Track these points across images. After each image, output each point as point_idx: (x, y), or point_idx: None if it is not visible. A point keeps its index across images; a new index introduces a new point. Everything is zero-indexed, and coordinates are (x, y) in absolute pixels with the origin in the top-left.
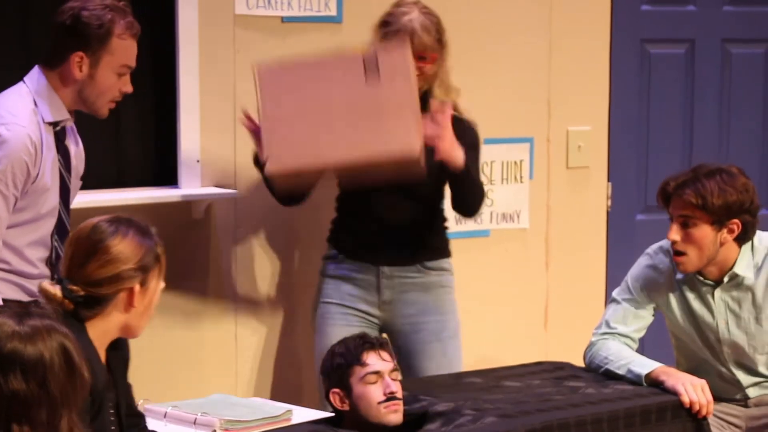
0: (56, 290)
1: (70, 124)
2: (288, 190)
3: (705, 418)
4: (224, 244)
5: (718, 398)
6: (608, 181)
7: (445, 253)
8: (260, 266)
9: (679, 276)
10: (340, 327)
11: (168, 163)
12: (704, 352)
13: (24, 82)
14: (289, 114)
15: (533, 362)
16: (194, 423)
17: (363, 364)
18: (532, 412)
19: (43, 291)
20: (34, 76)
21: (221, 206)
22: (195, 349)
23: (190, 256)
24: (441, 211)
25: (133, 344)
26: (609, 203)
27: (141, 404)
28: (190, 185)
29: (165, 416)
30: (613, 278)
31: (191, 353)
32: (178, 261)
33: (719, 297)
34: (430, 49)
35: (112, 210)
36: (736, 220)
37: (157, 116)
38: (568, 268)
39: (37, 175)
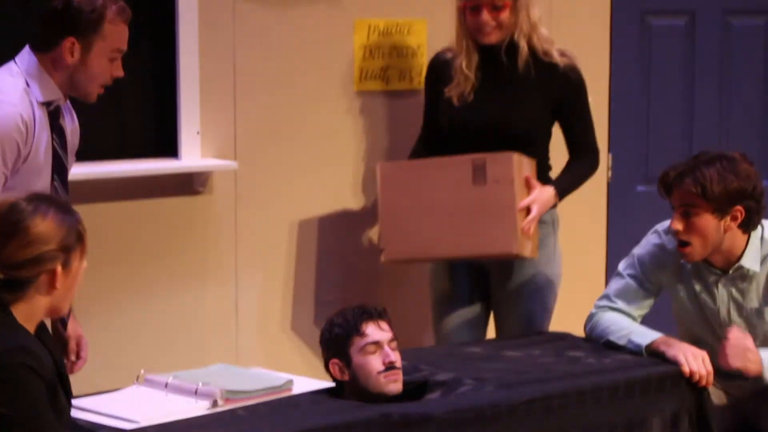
0: None
1: (64, 103)
2: None
3: (705, 388)
4: (225, 215)
5: (718, 372)
6: (609, 152)
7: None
8: (261, 237)
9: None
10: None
11: (168, 135)
12: (707, 336)
13: (15, 62)
14: (405, 209)
15: (534, 332)
16: (195, 393)
17: (362, 335)
18: (532, 381)
19: None
20: (25, 57)
21: (222, 178)
22: (196, 320)
23: (191, 227)
24: (546, 162)
25: (134, 315)
26: (609, 174)
27: (141, 375)
28: (190, 157)
29: (166, 386)
30: (613, 249)
31: (192, 324)
32: (178, 232)
33: (723, 286)
34: None
35: (113, 182)
36: (738, 207)
37: (157, 87)
38: (568, 240)
39: (29, 154)
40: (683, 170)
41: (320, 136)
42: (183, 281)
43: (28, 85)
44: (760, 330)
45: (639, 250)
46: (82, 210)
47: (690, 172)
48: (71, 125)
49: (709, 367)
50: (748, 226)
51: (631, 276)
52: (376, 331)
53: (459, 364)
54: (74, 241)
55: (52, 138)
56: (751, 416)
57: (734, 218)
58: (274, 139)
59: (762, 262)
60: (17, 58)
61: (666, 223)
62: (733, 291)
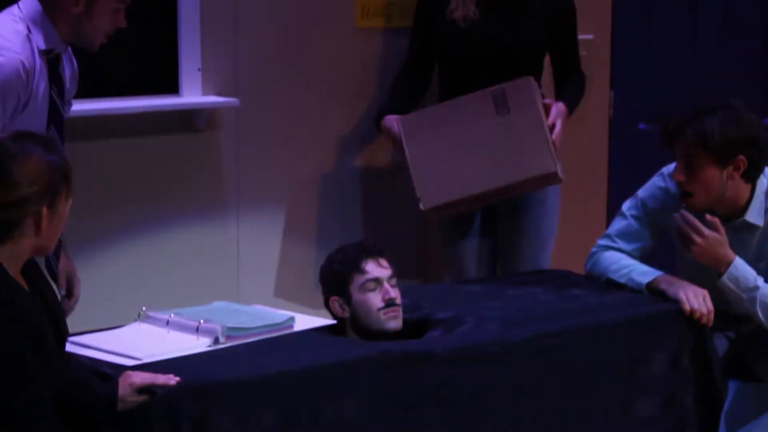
0: None
1: (65, 52)
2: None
3: (706, 326)
4: (226, 152)
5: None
6: (610, 89)
7: None
8: (263, 175)
9: None
10: None
11: (169, 72)
12: (705, 281)
13: (18, 7)
14: (434, 155)
15: (535, 271)
16: (196, 330)
17: (362, 272)
18: (533, 319)
19: None
20: (29, 2)
21: (223, 115)
22: (197, 258)
23: (193, 164)
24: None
25: (135, 253)
26: (611, 112)
27: (143, 312)
28: (191, 94)
29: (167, 323)
30: (615, 187)
31: (194, 262)
32: (179, 170)
33: (726, 232)
34: None
35: (113, 119)
36: (741, 157)
37: (158, 23)
38: (570, 178)
39: (27, 101)
40: (683, 120)
41: (322, 73)
42: (184, 219)
43: (30, 31)
44: None
45: (643, 192)
46: (83, 147)
47: (690, 123)
48: (70, 71)
49: (710, 306)
50: (751, 175)
51: (634, 217)
52: (375, 268)
53: (460, 303)
54: (60, 181)
55: (50, 87)
56: (749, 360)
57: (737, 168)
58: (275, 76)
59: (766, 214)
60: (20, 3)
61: (672, 167)
62: (734, 241)
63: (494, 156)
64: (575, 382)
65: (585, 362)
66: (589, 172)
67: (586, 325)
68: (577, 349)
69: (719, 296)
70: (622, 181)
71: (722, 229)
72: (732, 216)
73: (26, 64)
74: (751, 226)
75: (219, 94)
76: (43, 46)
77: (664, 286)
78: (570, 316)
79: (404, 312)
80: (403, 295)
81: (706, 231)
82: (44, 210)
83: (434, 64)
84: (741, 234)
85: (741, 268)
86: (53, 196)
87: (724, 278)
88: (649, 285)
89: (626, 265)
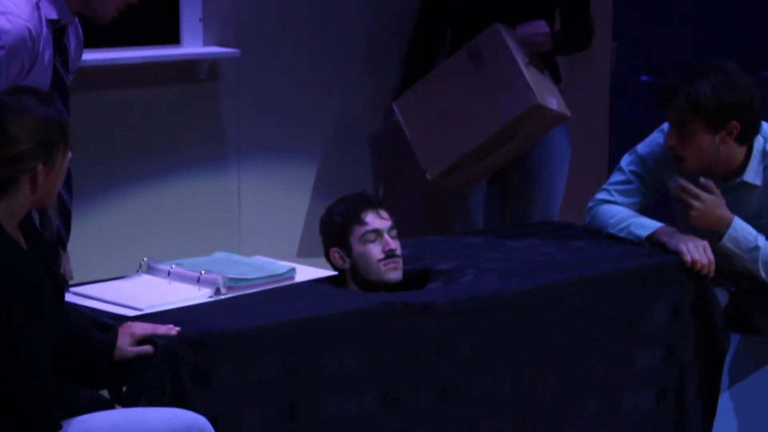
0: None
1: (71, 23)
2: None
3: (707, 278)
4: (227, 103)
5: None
6: (612, 41)
7: None
8: (264, 126)
9: None
10: None
11: (170, 22)
12: (710, 242)
13: None
14: (430, 125)
15: (536, 222)
16: (198, 281)
17: (362, 223)
18: (534, 271)
19: None
20: None
21: (225, 66)
22: (198, 209)
23: (193, 115)
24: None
25: (136, 204)
26: (613, 64)
27: (144, 263)
28: (193, 44)
29: (168, 274)
30: (616, 140)
31: (194, 212)
32: (180, 121)
33: (723, 192)
34: None
35: (114, 69)
36: (733, 122)
37: None
38: (570, 130)
39: (31, 68)
40: (676, 85)
41: (323, 24)
42: (185, 169)
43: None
44: None
45: (643, 147)
46: (84, 97)
47: (683, 87)
48: (75, 41)
49: (711, 257)
50: (744, 139)
51: (632, 172)
52: (375, 220)
53: (461, 254)
54: (56, 136)
55: (55, 56)
56: (750, 313)
57: (729, 133)
58: (276, 26)
59: (763, 175)
60: None
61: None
62: (732, 199)
63: (480, 108)
64: (576, 334)
65: (585, 314)
66: (590, 125)
67: (586, 277)
68: (578, 300)
69: (719, 252)
70: (623, 134)
71: (717, 191)
72: (729, 176)
73: (33, 31)
74: (750, 186)
75: (220, 45)
76: (51, 16)
77: (664, 238)
78: (571, 268)
79: (405, 263)
80: (405, 246)
81: (703, 194)
82: (40, 166)
83: (445, 29)
84: (739, 194)
85: (740, 228)
86: (50, 151)
87: (725, 240)
88: (650, 237)
89: (625, 218)
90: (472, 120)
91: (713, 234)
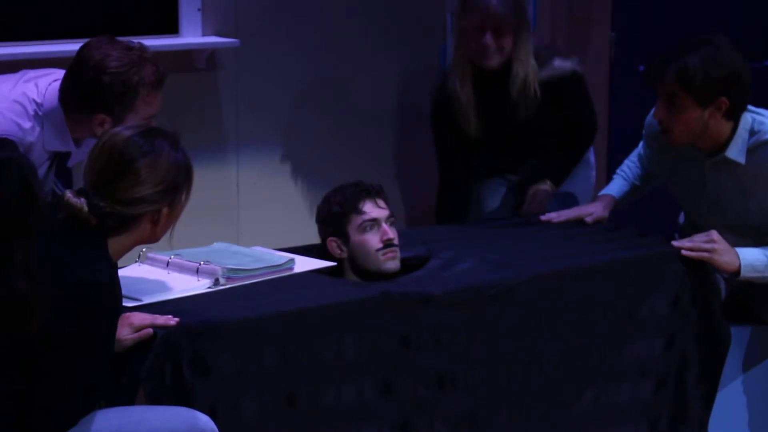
0: (82, 204)
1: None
2: None
3: (707, 265)
4: (226, 93)
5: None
6: (611, 30)
7: None
8: (262, 115)
9: None
10: None
11: (168, 11)
12: (698, 217)
13: (35, 102)
14: None
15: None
16: (197, 271)
17: (360, 212)
18: (532, 260)
19: (67, 203)
20: (53, 101)
21: (223, 55)
22: (197, 199)
23: (192, 105)
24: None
25: None
26: (611, 53)
27: (143, 253)
28: (191, 34)
29: (167, 265)
30: (615, 131)
31: (193, 202)
32: (179, 110)
33: (708, 167)
34: (506, 22)
35: None
36: (722, 98)
37: None
38: None
39: None
40: (667, 58)
41: (322, 13)
42: None
43: (42, 128)
44: (744, 219)
45: (647, 118)
46: None
47: (673, 62)
48: (84, 151)
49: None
50: (732, 113)
51: (640, 147)
52: (373, 209)
53: (462, 242)
54: (182, 179)
55: (55, 181)
56: (753, 304)
57: (718, 108)
58: (275, 16)
59: (748, 153)
60: (45, 96)
61: None
62: (719, 174)
63: None
64: (573, 325)
65: (584, 303)
66: None
67: (585, 266)
68: (577, 290)
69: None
70: (622, 124)
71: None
72: (712, 152)
73: (21, 136)
74: (732, 163)
75: (219, 35)
76: (51, 148)
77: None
78: (569, 258)
79: (404, 251)
80: (409, 235)
81: (709, 237)
82: (165, 209)
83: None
84: (720, 170)
85: (748, 254)
86: (174, 194)
87: (743, 274)
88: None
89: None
90: None
91: (702, 222)
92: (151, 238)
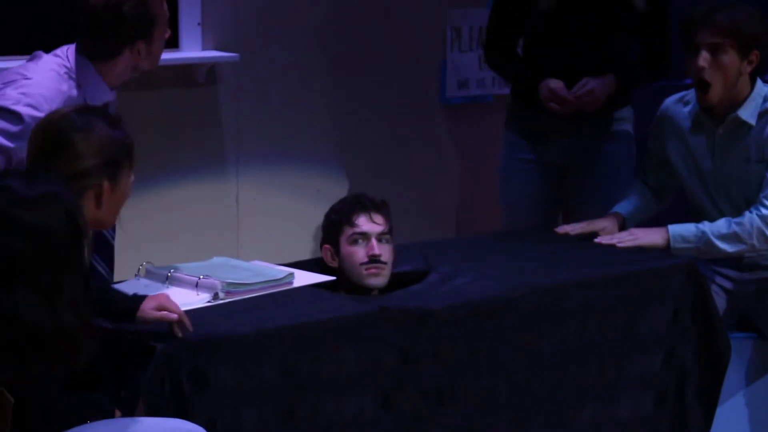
0: None
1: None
2: None
3: (706, 279)
4: (226, 107)
5: (714, 260)
6: None
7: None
8: (263, 130)
9: (685, 109)
10: None
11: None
12: (697, 187)
13: (66, 58)
14: None
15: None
16: (196, 286)
17: (352, 224)
18: (532, 275)
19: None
20: (78, 61)
21: (223, 70)
22: (197, 213)
23: (192, 119)
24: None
25: (135, 208)
26: None
27: (143, 267)
28: (191, 48)
29: (167, 279)
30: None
31: (193, 217)
32: (179, 125)
33: (719, 135)
34: None
35: None
36: (756, 52)
37: None
38: None
39: None
40: (712, 8)
41: (322, 28)
42: (184, 173)
43: (77, 91)
44: (744, 186)
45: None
46: None
47: (720, 10)
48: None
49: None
50: (756, 73)
51: (642, 169)
52: (366, 223)
53: (460, 257)
54: (122, 156)
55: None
56: (750, 314)
57: (750, 62)
58: (275, 30)
59: (759, 117)
60: (68, 54)
61: (675, 96)
62: (728, 143)
63: None
64: (573, 339)
65: (584, 317)
66: None
67: (584, 280)
68: (576, 304)
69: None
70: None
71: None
72: (727, 112)
73: None
74: (743, 123)
75: (219, 49)
76: (96, 102)
77: None
78: (569, 272)
79: (403, 264)
80: (403, 248)
81: (629, 231)
82: (105, 183)
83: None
84: (730, 137)
85: (678, 227)
86: (115, 170)
87: (673, 245)
88: None
89: None
90: None
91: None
92: (97, 220)
